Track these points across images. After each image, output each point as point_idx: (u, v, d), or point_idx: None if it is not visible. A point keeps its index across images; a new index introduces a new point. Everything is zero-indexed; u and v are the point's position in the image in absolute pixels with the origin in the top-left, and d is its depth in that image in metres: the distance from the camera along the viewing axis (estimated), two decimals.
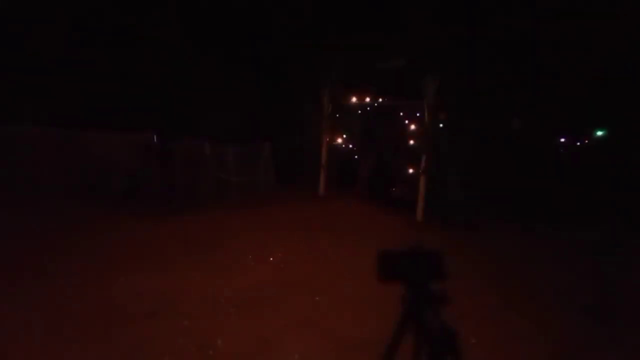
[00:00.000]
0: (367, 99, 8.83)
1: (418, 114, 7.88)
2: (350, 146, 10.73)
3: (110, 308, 3.71)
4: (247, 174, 8.73)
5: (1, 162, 7.53)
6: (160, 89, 11.41)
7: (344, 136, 10.07)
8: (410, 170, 7.85)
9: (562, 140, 14.61)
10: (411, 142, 8.13)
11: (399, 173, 8.66)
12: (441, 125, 8.03)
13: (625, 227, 6.81)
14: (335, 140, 9.41)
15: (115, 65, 11.58)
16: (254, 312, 3.78)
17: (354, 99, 8.69)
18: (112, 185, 8.33)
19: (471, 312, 3.85)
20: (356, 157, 11.18)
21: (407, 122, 8.97)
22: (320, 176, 8.45)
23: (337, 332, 3.53)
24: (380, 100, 8.88)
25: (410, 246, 1.53)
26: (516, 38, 10.60)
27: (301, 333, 3.51)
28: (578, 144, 14.63)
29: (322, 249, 5.39)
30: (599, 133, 13.92)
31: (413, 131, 8.27)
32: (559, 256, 5.99)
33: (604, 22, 9.50)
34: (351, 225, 6.30)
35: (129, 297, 3.93)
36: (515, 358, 3.46)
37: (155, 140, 9.30)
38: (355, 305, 3.96)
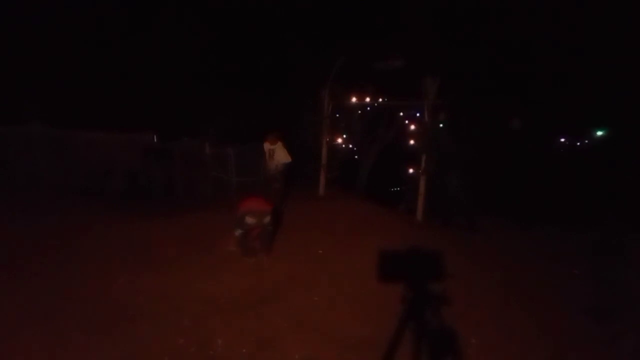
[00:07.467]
0: (367, 99, 8.80)
1: (418, 114, 7.87)
2: (350, 146, 10.71)
3: (111, 307, 3.72)
4: (247, 174, 8.71)
5: (2, 161, 7.53)
6: (160, 89, 11.44)
7: (344, 136, 10.06)
8: (410, 170, 7.83)
9: (562, 140, 14.64)
10: (411, 142, 8.09)
11: (399, 173, 8.65)
12: (441, 125, 8.00)
13: (625, 227, 6.80)
14: (335, 140, 9.39)
15: (116, 65, 11.61)
16: (253, 312, 3.78)
17: (354, 99, 8.66)
18: (112, 185, 8.33)
19: (471, 312, 3.84)
20: (356, 157, 11.16)
21: (407, 122, 8.96)
22: (320, 176, 8.43)
23: (336, 332, 3.53)
24: (380, 100, 8.85)
25: (410, 246, 1.54)
26: (516, 38, 10.62)
27: (301, 333, 3.51)
28: (578, 144, 14.66)
29: (322, 249, 5.37)
30: (599, 133, 13.93)
31: (413, 131, 8.24)
32: (559, 256, 5.98)
33: (604, 22, 9.51)
34: (351, 226, 6.28)
35: (129, 296, 3.94)
36: (515, 358, 3.45)
37: (155, 140, 9.31)
38: (355, 306, 3.95)
